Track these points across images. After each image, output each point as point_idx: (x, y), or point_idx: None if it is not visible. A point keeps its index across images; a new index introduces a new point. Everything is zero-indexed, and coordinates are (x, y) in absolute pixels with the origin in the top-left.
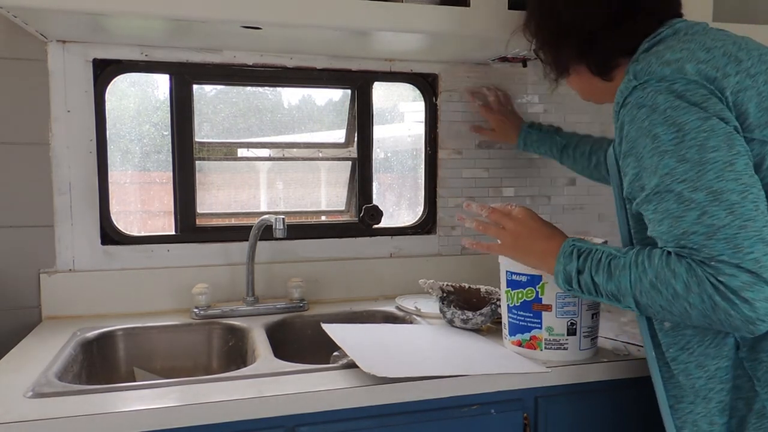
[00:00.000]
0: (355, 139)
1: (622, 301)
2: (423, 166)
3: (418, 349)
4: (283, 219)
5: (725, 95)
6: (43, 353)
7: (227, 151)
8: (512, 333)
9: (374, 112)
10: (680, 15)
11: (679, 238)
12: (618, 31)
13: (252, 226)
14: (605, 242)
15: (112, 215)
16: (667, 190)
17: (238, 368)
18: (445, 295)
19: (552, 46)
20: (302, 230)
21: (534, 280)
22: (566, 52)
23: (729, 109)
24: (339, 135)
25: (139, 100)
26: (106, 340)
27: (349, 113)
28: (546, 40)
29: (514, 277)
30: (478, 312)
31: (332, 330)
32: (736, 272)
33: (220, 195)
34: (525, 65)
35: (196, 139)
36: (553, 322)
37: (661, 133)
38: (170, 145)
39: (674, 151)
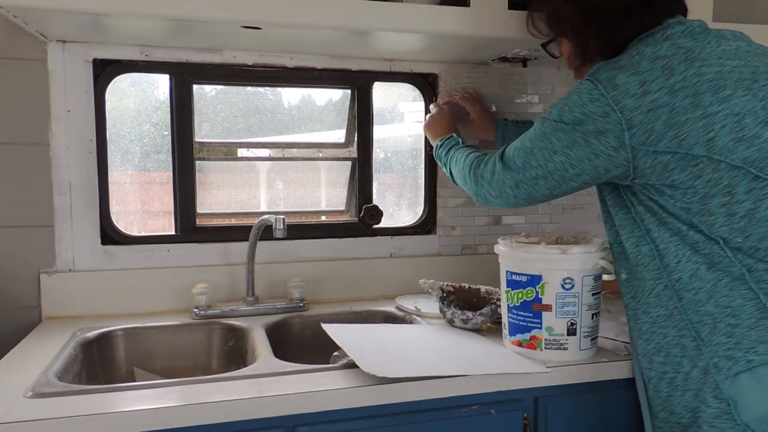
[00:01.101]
0: (355, 139)
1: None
2: (423, 166)
3: (418, 349)
4: (283, 219)
5: (626, 114)
6: (43, 353)
7: (227, 151)
8: (512, 333)
9: (374, 112)
10: (684, 13)
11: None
12: (628, 20)
13: (252, 226)
14: (605, 242)
15: (112, 215)
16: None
17: (238, 368)
18: (445, 295)
19: (580, 32)
20: (302, 230)
21: (534, 280)
22: (592, 37)
23: (622, 123)
24: (339, 135)
25: (139, 100)
26: (106, 340)
27: (349, 113)
28: (574, 27)
29: (514, 277)
30: (478, 312)
31: (332, 330)
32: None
33: (220, 195)
34: (525, 65)
35: (196, 139)
36: (553, 322)
37: (542, 125)
38: (170, 145)
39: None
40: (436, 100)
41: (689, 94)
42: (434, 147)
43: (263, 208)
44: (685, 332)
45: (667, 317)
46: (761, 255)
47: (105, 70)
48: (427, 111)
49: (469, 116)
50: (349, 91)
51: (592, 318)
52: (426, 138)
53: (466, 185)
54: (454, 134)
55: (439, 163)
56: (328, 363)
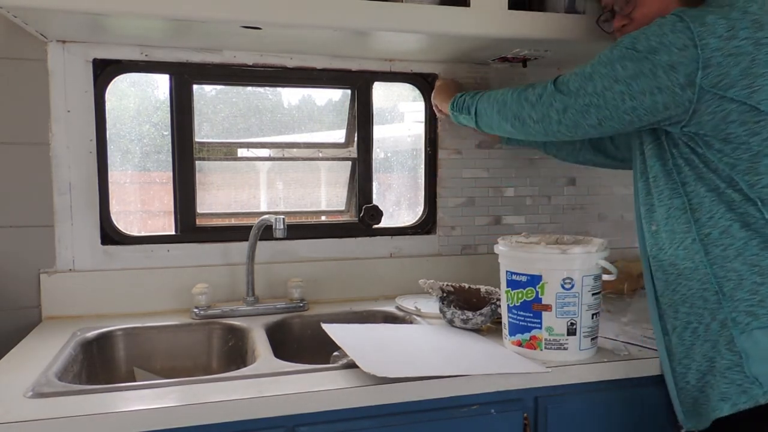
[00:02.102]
0: (355, 139)
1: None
2: (423, 166)
3: (418, 349)
4: (283, 219)
5: (706, 52)
6: (43, 353)
7: (227, 151)
8: (512, 333)
9: (374, 112)
10: None
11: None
12: None
13: (252, 226)
14: (605, 242)
15: (112, 215)
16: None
17: (238, 368)
18: (445, 295)
19: None
20: (302, 230)
21: (534, 280)
22: None
23: (698, 60)
24: (339, 135)
25: (139, 100)
26: (106, 340)
27: (349, 113)
28: None
29: (514, 277)
30: (478, 312)
31: (332, 330)
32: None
33: (220, 195)
34: (525, 65)
35: (196, 139)
36: (553, 322)
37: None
38: (170, 145)
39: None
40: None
41: None
42: (452, 103)
43: (263, 208)
44: (707, 286)
45: (693, 270)
46: None
47: (105, 70)
48: (427, 111)
49: None
50: (349, 91)
51: (592, 318)
52: (426, 138)
53: (503, 109)
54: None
55: (457, 118)
56: (328, 363)
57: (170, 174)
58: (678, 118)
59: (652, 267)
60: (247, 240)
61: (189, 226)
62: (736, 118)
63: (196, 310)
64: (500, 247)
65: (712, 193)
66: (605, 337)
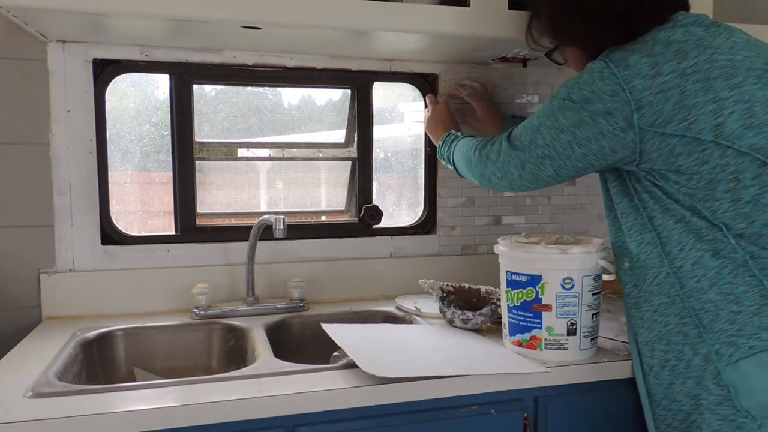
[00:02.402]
0: (355, 139)
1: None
2: (423, 166)
3: (418, 349)
4: (283, 219)
5: (635, 95)
6: (43, 353)
7: (227, 151)
8: (512, 333)
9: (374, 112)
10: (687, 9)
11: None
12: (629, 19)
13: (252, 226)
14: (605, 242)
15: (112, 215)
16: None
17: (238, 368)
18: (445, 295)
19: (584, 38)
20: (302, 230)
21: (534, 280)
22: (598, 40)
23: (631, 103)
24: (339, 135)
25: (139, 100)
26: (106, 340)
27: (349, 113)
28: (578, 34)
29: (514, 277)
30: (478, 312)
31: (332, 330)
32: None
33: (220, 195)
34: (525, 65)
35: (196, 139)
36: (553, 322)
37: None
38: (170, 145)
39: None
40: (435, 95)
41: (701, 79)
42: (437, 147)
43: (263, 208)
44: (687, 320)
45: (668, 305)
46: (765, 242)
47: (105, 70)
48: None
49: (475, 112)
50: (349, 91)
51: (592, 318)
52: (426, 138)
53: (470, 167)
54: (453, 130)
55: (442, 161)
56: (328, 363)
57: (170, 174)
58: (629, 158)
59: (627, 305)
60: (247, 240)
61: (189, 226)
62: (682, 150)
63: (196, 310)
64: (500, 247)
65: (679, 224)
66: (605, 337)
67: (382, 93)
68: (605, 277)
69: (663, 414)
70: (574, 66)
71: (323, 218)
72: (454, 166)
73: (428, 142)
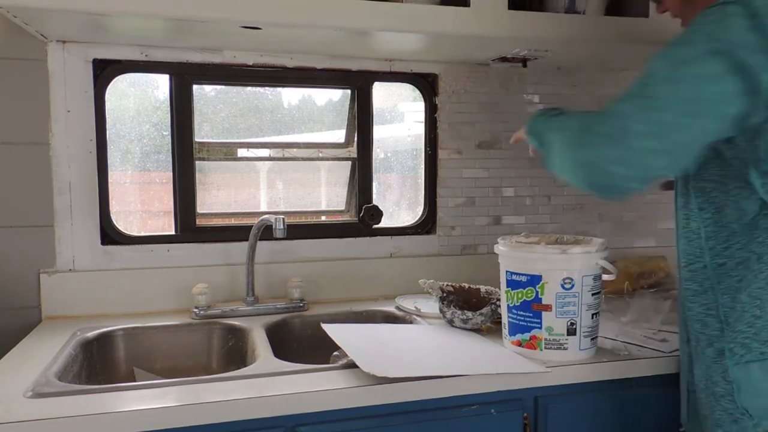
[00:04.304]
0: (355, 139)
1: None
2: (423, 166)
3: (418, 349)
4: (283, 219)
5: None
6: (43, 353)
7: (227, 151)
8: (512, 333)
9: (374, 112)
10: None
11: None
12: None
13: (252, 226)
14: (605, 242)
15: (112, 215)
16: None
17: (238, 368)
18: (445, 295)
19: None
20: (302, 230)
21: (534, 280)
22: None
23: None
24: (339, 135)
25: (139, 100)
26: (106, 340)
27: (349, 113)
28: None
29: (514, 277)
30: (478, 312)
31: (332, 330)
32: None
33: (220, 195)
34: (525, 65)
35: (196, 139)
36: (552, 322)
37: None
38: (170, 145)
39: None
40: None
41: None
42: (528, 124)
43: (263, 208)
44: (713, 312)
45: (700, 293)
46: None
47: (105, 70)
48: (427, 111)
49: None
50: (349, 91)
51: (592, 318)
52: (426, 138)
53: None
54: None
55: (532, 144)
56: (328, 363)
57: (170, 174)
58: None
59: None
60: (247, 240)
61: (189, 226)
62: None
63: (196, 310)
64: (500, 247)
65: (742, 218)
66: (605, 337)
67: (382, 93)
68: (605, 277)
69: (691, 380)
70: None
71: (323, 218)
72: (547, 153)
73: (428, 142)
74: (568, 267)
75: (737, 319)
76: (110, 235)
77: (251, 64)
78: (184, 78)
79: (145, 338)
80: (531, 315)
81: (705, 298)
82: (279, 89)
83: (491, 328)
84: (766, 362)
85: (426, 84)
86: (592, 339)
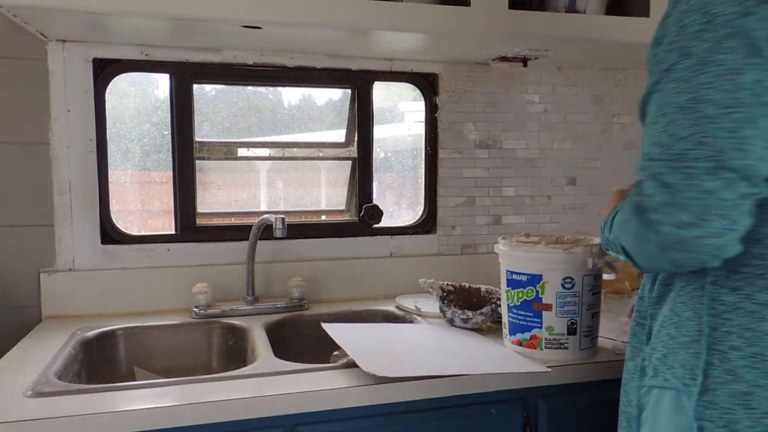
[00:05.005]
0: (355, 138)
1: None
2: (423, 165)
3: (418, 349)
4: (283, 218)
5: None
6: (43, 352)
7: (227, 151)
8: (512, 332)
9: (374, 112)
10: None
11: (647, 152)
12: None
13: (252, 226)
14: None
15: (112, 214)
16: (657, 90)
17: (238, 368)
18: (445, 294)
19: None
20: (302, 230)
21: (534, 280)
22: None
23: None
24: (339, 135)
25: (139, 99)
26: (106, 339)
27: (349, 113)
28: None
29: (514, 276)
30: (478, 311)
31: (332, 329)
32: (653, 190)
33: (220, 194)
34: (525, 65)
35: (196, 138)
36: (553, 321)
37: (690, 21)
38: (170, 144)
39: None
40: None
41: None
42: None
43: (263, 208)
44: (643, 321)
45: (640, 298)
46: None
47: (105, 70)
48: (427, 111)
49: None
50: (349, 91)
51: (593, 317)
52: (426, 138)
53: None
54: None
55: (610, 252)
56: (328, 363)
57: (170, 173)
58: None
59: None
60: (247, 239)
61: (189, 226)
62: None
63: (196, 309)
64: (501, 247)
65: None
66: (605, 337)
67: (382, 93)
68: (605, 276)
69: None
70: None
71: (323, 218)
72: (625, 253)
73: (428, 142)
74: (569, 266)
75: (656, 333)
76: (110, 235)
77: (251, 63)
78: (185, 77)
79: (145, 337)
80: (531, 314)
81: (641, 305)
82: (279, 89)
83: (491, 328)
84: (665, 392)
85: (426, 83)
86: (592, 338)
